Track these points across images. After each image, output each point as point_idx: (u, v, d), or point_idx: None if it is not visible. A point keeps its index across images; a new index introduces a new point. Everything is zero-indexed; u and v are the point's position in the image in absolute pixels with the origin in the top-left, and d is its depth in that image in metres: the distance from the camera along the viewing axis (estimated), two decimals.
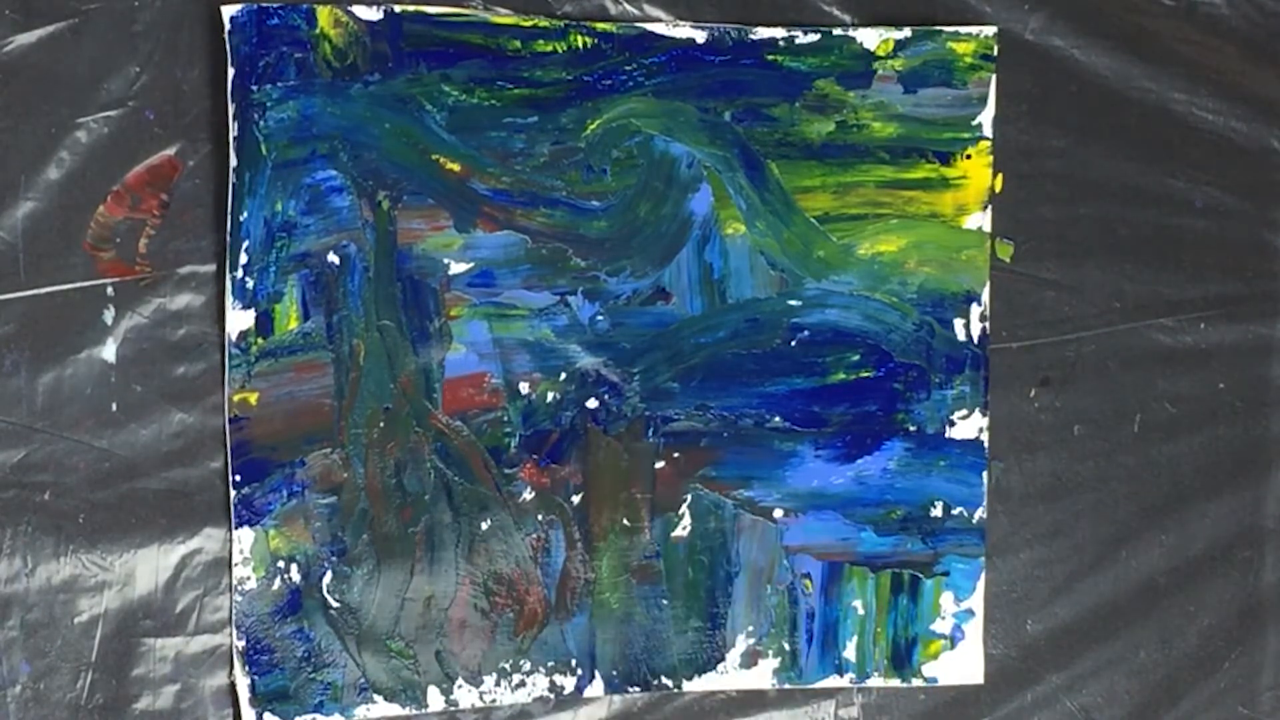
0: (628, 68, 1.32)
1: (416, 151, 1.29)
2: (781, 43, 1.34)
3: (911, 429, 1.37)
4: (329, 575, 1.31)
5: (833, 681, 1.38)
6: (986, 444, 1.39)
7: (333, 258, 1.29)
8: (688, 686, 1.37)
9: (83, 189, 1.26)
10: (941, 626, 1.39)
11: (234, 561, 1.29)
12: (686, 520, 1.35)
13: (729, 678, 1.37)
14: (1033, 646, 1.42)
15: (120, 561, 1.28)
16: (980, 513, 1.39)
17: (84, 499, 1.27)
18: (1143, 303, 1.41)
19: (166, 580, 1.29)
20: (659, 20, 1.33)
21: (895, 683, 1.39)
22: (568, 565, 1.34)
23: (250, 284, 1.28)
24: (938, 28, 1.35)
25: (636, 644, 1.36)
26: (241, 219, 1.27)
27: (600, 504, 1.34)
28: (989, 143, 1.37)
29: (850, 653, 1.38)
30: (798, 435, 1.36)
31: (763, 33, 1.33)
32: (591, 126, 1.32)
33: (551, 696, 1.35)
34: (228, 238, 1.27)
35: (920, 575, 1.39)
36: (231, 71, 1.26)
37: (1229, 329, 1.42)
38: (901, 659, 1.39)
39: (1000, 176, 1.38)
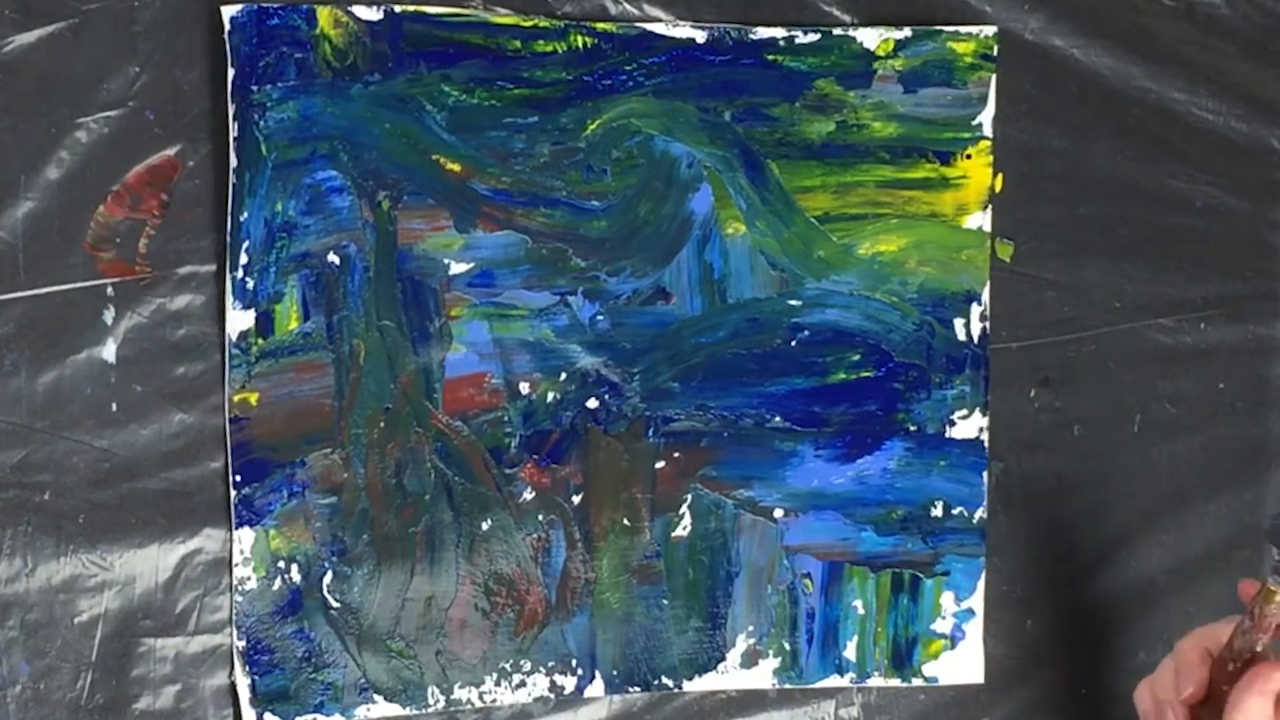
0: (628, 68, 1.32)
1: (416, 151, 1.29)
2: (781, 43, 1.33)
3: (912, 429, 1.37)
4: (329, 575, 1.31)
5: (833, 681, 1.38)
6: (986, 444, 1.39)
7: (333, 258, 1.29)
8: (688, 686, 1.37)
9: (83, 189, 1.26)
10: (942, 626, 1.39)
11: (234, 562, 1.29)
12: (687, 520, 1.35)
13: (729, 678, 1.37)
14: (1033, 646, 1.42)
15: (120, 561, 1.28)
16: (980, 513, 1.39)
17: (84, 499, 1.27)
18: (1143, 303, 1.41)
19: (166, 580, 1.29)
20: (659, 20, 1.33)
21: (895, 682, 1.39)
22: (568, 565, 1.34)
23: (250, 284, 1.27)
24: (938, 28, 1.35)
25: (637, 644, 1.36)
26: (241, 219, 1.27)
27: (600, 504, 1.34)
28: (989, 143, 1.37)
29: (850, 652, 1.38)
30: (798, 435, 1.36)
31: (763, 33, 1.33)
32: (591, 126, 1.32)
33: (551, 696, 1.35)
34: (228, 238, 1.27)
35: (920, 575, 1.39)
36: (231, 72, 1.26)
37: (1229, 329, 1.42)
38: (902, 659, 1.39)
39: (1000, 176, 1.38)
